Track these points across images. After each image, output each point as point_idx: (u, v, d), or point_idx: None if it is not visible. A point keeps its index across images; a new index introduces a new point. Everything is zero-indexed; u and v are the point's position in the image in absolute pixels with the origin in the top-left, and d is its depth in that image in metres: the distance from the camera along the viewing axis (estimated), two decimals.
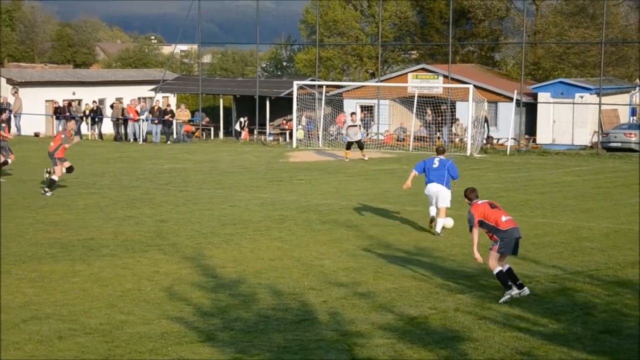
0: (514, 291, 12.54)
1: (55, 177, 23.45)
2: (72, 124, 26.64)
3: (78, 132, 46.89)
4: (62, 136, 24.13)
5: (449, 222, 17.73)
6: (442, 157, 18.57)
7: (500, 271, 12.69)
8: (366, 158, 33.36)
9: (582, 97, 43.52)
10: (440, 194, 18.08)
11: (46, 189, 23.15)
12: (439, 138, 43.92)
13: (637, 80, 54.29)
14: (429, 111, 44.78)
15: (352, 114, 34.07)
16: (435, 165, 18.30)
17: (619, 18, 52.90)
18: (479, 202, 13.30)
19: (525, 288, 12.70)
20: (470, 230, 13.10)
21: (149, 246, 16.31)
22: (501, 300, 12.44)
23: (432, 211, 18.24)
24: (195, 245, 16.50)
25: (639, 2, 54.91)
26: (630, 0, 55.18)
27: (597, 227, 18.88)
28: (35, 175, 26.08)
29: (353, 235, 17.66)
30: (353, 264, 15.00)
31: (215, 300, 12.45)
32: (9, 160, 26.36)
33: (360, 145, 33.50)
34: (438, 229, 17.84)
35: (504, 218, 12.93)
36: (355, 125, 33.00)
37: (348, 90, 50.37)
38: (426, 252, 15.73)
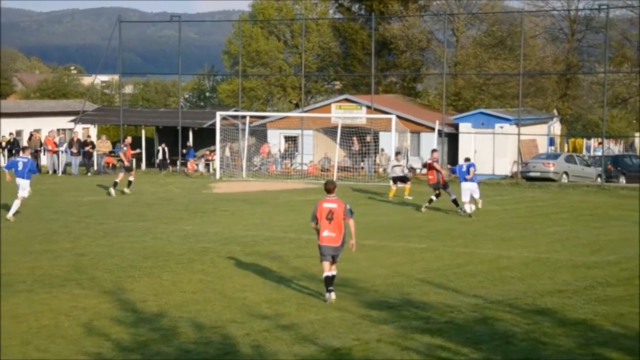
0: (330, 298, 14.21)
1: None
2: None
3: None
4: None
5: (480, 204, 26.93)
6: (468, 162, 26.90)
7: (327, 276, 14.36)
8: (410, 198, 31.29)
9: (502, 127, 44.36)
10: (473, 190, 26.55)
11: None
12: (362, 168, 44.19)
13: (555, 111, 55.66)
14: (355, 141, 45.05)
15: (397, 153, 33.58)
16: (464, 170, 26.69)
17: (536, 50, 54.21)
18: (326, 203, 14.34)
19: (332, 294, 14.25)
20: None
21: (67, 281, 15.95)
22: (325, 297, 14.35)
23: (464, 197, 26.48)
24: (115, 279, 16.19)
25: (555, 34, 56.41)
26: (547, 33, 56.67)
27: (517, 256, 19.16)
28: None
29: (276, 267, 17.57)
30: (276, 295, 14.90)
31: (135, 335, 12.21)
32: (131, 179, 32.23)
33: (404, 180, 32.25)
34: (468, 209, 26.27)
35: (325, 233, 14.28)
36: (400, 165, 32.55)
37: (272, 121, 50.45)
38: (349, 282, 15.72)
